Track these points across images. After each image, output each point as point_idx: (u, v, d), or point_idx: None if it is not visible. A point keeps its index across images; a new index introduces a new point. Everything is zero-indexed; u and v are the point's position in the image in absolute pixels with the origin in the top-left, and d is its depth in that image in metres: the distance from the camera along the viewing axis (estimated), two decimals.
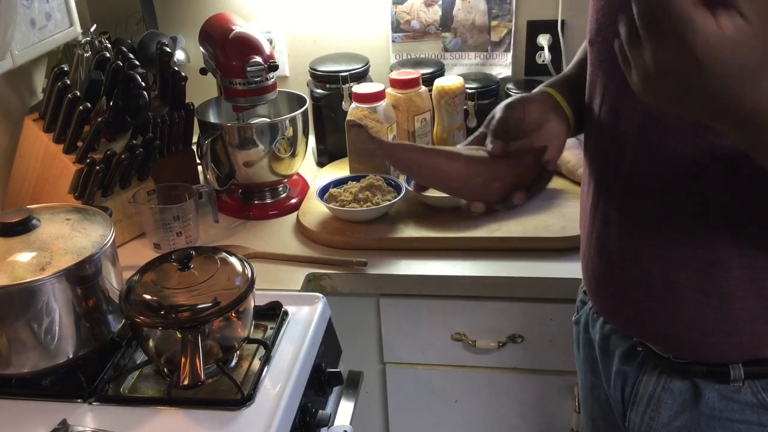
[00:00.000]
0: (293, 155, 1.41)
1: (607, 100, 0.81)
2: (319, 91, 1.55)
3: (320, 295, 1.15)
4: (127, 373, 1.00)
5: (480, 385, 1.32)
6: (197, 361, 0.88)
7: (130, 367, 1.02)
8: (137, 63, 1.32)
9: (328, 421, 1.04)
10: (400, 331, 1.29)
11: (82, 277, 0.96)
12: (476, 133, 0.93)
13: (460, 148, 0.91)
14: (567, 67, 1.00)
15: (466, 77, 1.55)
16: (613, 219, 0.82)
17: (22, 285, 0.91)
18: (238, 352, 1.02)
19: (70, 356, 0.98)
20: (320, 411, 1.04)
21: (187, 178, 1.44)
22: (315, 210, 1.36)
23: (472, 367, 1.30)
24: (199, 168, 1.47)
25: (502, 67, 1.64)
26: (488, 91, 1.53)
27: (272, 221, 1.41)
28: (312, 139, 1.58)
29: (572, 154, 1.39)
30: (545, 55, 1.59)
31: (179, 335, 0.91)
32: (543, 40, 1.59)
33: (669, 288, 0.78)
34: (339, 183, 1.39)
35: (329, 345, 1.14)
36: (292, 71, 1.73)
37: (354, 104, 1.40)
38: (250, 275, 0.99)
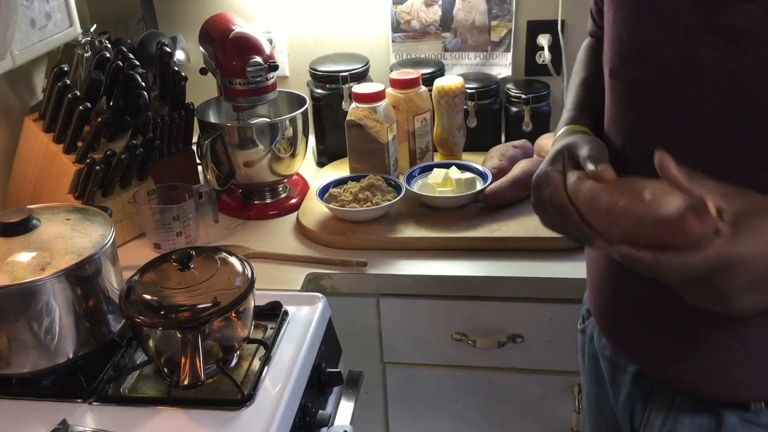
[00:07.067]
0: (293, 155, 1.41)
1: (632, 140, 0.75)
2: (319, 91, 1.55)
3: (320, 295, 1.15)
4: (127, 373, 1.00)
5: (480, 385, 1.32)
6: (197, 361, 0.88)
7: (130, 367, 1.02)
8: (137, 63, 1.32)
9: (328, 421, 1.04)
10: (400, 331, 1.29)
11: (82, 277, 0.96)
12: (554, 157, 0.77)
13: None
14: (579, 88, 0.92)
15: (466, 77, 1.55)
16: None
17: (22, 285, 0.91)
18: (238, 352, 1.02)
19: (70, 356, 0.98)
20: (320, 411, 1.04)
21: (187, 178, 1.44)
22: (315, 210, 1.36)
23: (472, 367, 1.30)
24: (199, 168, 1.47)
25: (502, 67, 1.64)
26: (488, 91, 1.53)
27: (272, 221, 1.41)
28: (312, 139, 1.58)
29: None
30: (545, 55, 1.59)
31: (179, 335, 0.91)
32: (543, 40, 1.59)
33: (685, 332, 0.75)
34: (339, 183, 1.39)
35: (329, 345, 1.14)
36: (292, 71, 1.73)
37: (354, 104, 1.40)
38: (250, 275, 0.99)
